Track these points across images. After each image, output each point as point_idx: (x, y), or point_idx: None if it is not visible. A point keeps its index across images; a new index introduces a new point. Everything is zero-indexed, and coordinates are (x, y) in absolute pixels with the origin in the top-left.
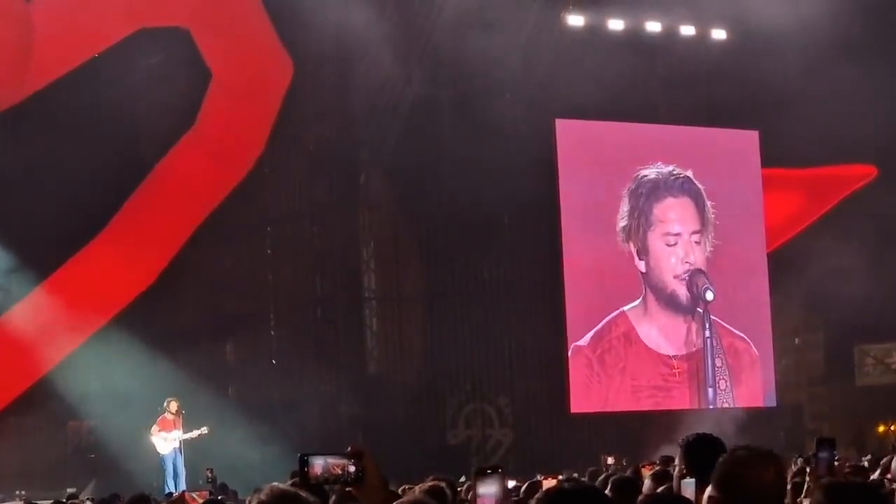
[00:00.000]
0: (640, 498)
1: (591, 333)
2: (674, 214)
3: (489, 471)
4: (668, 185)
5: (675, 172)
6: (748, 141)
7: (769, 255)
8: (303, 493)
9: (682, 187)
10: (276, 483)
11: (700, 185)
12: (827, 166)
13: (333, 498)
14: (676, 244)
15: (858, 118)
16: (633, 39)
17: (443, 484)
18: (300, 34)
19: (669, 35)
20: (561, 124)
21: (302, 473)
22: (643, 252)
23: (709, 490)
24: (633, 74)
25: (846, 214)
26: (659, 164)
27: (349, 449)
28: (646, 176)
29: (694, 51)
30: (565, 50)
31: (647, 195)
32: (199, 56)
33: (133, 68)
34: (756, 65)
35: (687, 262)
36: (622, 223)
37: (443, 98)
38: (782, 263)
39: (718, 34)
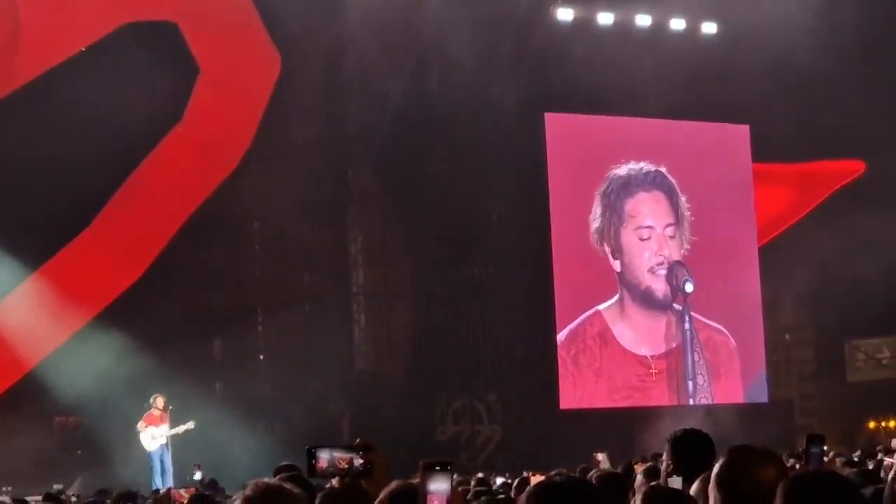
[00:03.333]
0: (645, 489)
1: (565, 332)
2: (646, 209)
3: (438, 466)
4: (640, 181)
5: (645, 168)
6: (738, 135)
7: (760, 250)
8: (287, 486)
9: (654, 181)
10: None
11: (672, 180)
12: (816, 161)
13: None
14: (650, 238)
15: (848, 113)
16: (623, 33)
17: None
18: (288, 28)
19: (659, 29)
20: (550, 118)
21: (309, 466)
22: (617, 251)
23: (694, 487)
24: (623, 68)
25: (836, 209)
26: (630, 162)
27: (357, 442)
28: (616, 174)
29: (684, 45)
30: (554, 44)
31: (617, 192)
32: (187, 50)
33: (121, 62)
34: (747, 59)
35: (661, 255)
36: (595, 225)
37: (431, 93)
38: (772, 259)
39: (709, 28)
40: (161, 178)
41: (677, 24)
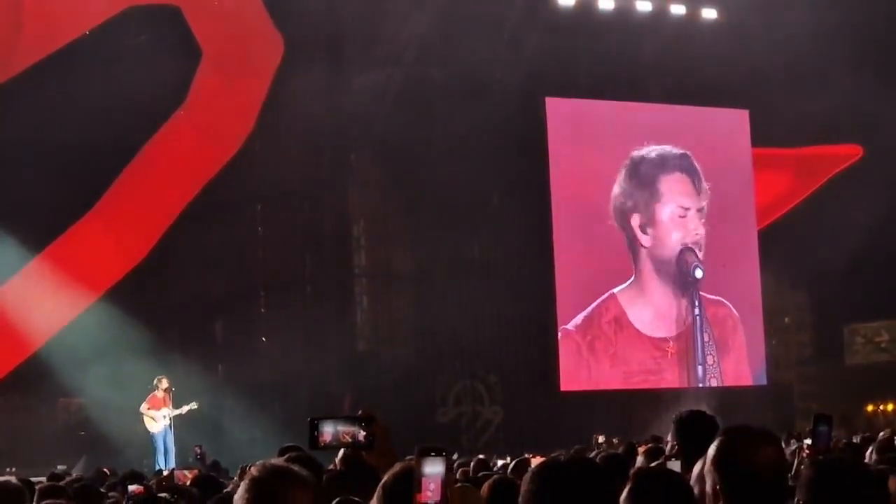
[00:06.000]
0: (633, 471)
1: (580, 318)
2: (681, 188)
3: (433, 452)
4: (674, 161)
5: (675, 150)
6: (738, 120)
7: (759, 234)
8: (295, 467)
9: (682, 165)
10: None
11: (698, 166)
12: (815, 146)
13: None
14: (686, 217)
15: (846, 98)
16: (624, 19)
17: None
18: (291, 12)
19: (660, 14)
20: (551, 103)
21: (312, 438)
22: (649, 225)
23: (697, 468)
24: (624, 54)
25: (835, 194)
26: (652, 144)
27: (360, 413)
28: (648, 152)
29: (684, 30)
30: (555, 29)
31: (653, 169)
32: (189, 34)
33: (123, 46)
34: (746, 44)
35: (696, 234)
36: (618, 201)
37: (433, 76)
38: (772, 243)
39: (709, 13)
40: (164, 160)
41: (677, 9)
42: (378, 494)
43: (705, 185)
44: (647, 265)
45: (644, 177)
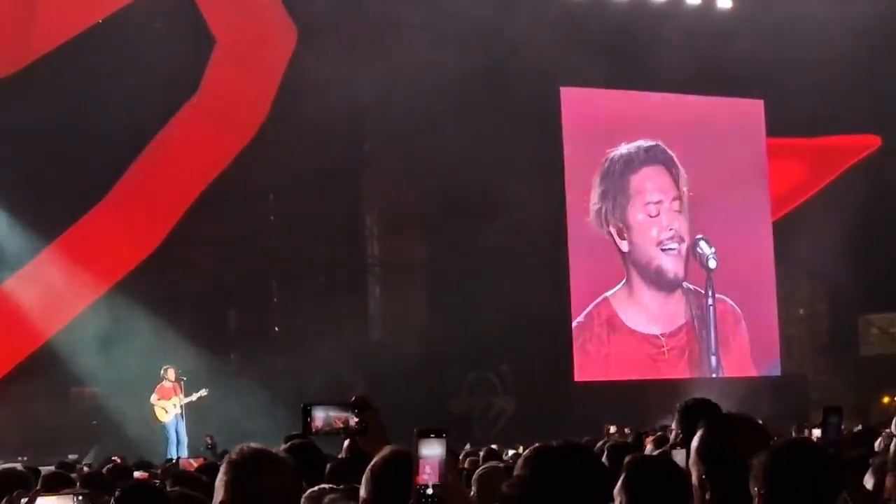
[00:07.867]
0: (628, 459)
1: (574, 324)
2: (651, 184)
3: (432, 434)
4: (641, 157)
5: (644, 144)
6: (753, 109)
7: (773, 225)
8: (274, 450)
9: (654, 156)
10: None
11: (671, 153)
12: (832, 136)
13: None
14: (658, 214)
15: (863, 88)
16: (639, 8)
17: None
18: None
19: (675, 3)
20: (566, 93)
21: (305, 424)
22: (625, 230)
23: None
24: (639, 43)
25: (851, 184)
26: (625, 142)
27: (353, 399)
28: (617, 154)
29: (700, 19)
30: (570, 18)
31: (621, 171)
32: (203, 22)
33: (137, 34)
34: (761, 33)
35: (671, 229)
36: (595, 207)
37: (447, 65)
38: (787, 233)
39: (724, 2)
40: (177, 149)
41: None
42: (366, 478)
43: (682, 170)
44: (631, 269)
45: (614, 179)
